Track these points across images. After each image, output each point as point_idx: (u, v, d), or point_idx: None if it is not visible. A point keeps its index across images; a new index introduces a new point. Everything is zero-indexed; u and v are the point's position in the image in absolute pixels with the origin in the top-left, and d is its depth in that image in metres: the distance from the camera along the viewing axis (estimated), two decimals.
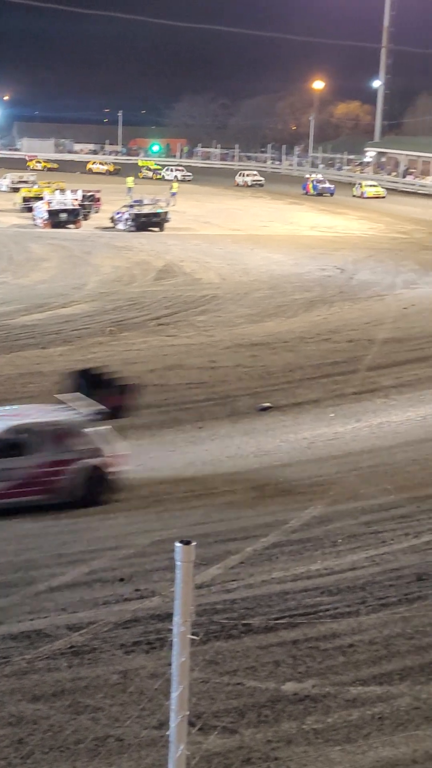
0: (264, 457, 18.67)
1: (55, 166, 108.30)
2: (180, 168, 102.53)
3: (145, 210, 56.14)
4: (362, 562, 14.03)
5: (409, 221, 63.47)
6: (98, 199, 62.47)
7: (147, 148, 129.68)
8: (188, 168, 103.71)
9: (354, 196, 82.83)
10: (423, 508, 16.02)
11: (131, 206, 56.88)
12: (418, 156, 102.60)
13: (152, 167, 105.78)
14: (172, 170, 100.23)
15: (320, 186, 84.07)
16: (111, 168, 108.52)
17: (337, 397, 22.56)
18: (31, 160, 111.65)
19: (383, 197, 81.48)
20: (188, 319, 32.00)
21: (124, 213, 55.93)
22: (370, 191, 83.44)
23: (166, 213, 56.51)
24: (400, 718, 10.31)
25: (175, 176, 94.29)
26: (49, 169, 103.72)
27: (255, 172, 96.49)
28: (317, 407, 21.73)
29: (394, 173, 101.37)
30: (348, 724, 10.16)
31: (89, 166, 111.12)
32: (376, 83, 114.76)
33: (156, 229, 55.06)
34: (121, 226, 55.34)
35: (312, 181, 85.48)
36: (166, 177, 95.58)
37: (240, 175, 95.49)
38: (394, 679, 11.01)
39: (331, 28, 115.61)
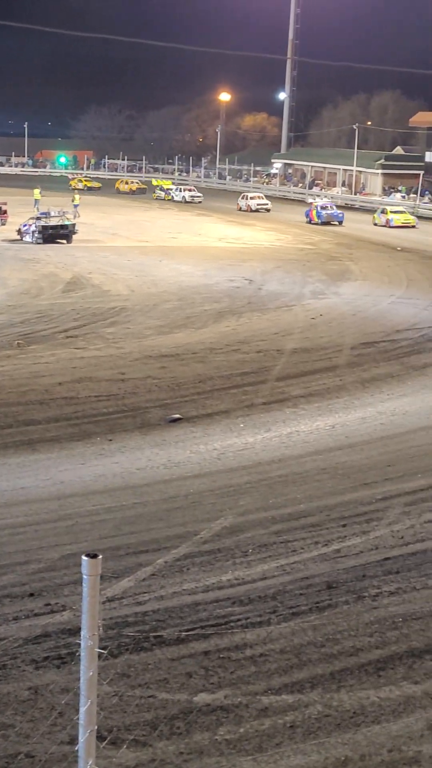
0: (174, 469, 18.67)
1: None
2: (190, 188, 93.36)
3: (53, 222, 55.86)
4: (273, 572, 14.11)
5: (316, 232, 64.14)
6: (5, 212, 61.99)
7: (54, 159, 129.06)
8: (96, 179, 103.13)
9: (376, 224, 70.09)
10: (332, 517, 16.17)
11: (38, 218, 56.54)
12: (324, 167, 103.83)
13: (166, 187, 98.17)
14: (180, 190, 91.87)
15: (325, 213, 69.65)
16: (135, 187, 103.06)
17: (247, 408, 22.67)
18: None
19: (413, 226, 68.74)
20: (97, 331, 31.88)
21: (31, 225, 55.58)
22: (397, 218, 68.75)
23: (73, 225, 56.29)
24: (312, 726, 10.38)
25: (183, 197, 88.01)
26: None
27: (261, 195, 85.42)
28: (227, 418, 21.82)
29: (300, 184, 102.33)
30: (260, 733, 10.19)
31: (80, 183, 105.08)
32: (282, 95, 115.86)
33: (63, 241, 54.84)
34: (28, 238, 54.99)
35: (316, 207, 71.84)
36: (175, 198, 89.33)
37: (243, 198, 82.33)
38: (305, 688, 11.08)
39: (238, 41, 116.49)
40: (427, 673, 11.41)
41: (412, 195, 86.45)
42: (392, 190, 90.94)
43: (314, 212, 70.25)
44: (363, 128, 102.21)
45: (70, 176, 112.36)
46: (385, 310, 35.78)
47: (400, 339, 30.63)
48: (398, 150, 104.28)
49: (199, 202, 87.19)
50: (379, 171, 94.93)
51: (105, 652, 5.70)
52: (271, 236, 60.63)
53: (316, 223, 69.16)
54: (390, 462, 19.04)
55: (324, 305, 36.65)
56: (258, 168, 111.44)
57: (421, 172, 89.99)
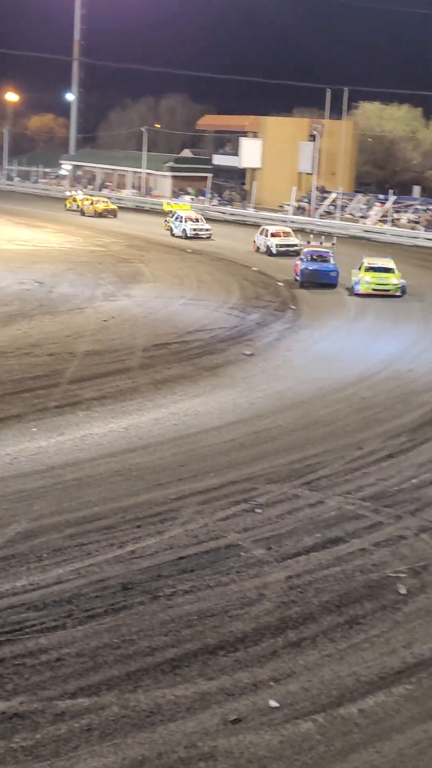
0: None
1: None
2: (195, 218, 66.12)
3: None
4: (68, 575, 14.08)
5: (107, 234, 64.14)
6: None
7: None
8: None
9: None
10: (127, 518, 16.25)
11: None
12: (114, 169, 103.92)
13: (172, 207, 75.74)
14: (182, 220, 64.82)
15: (309, 270, 43.09)
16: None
17: (40, 411, 22.48)
18: None
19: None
20: None
21: None
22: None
23: None
24: (109, 727, 10.45)
25: (183, 230, 63.76)
26: None
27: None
28: (19, 422, 21.57)
29: (90, 186, 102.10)
30: (56, 738, 10.19)
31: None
32: (70, 96, 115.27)
33: None
34: None
35: (303, 259, 44.68)
36: (175, 231, 64.74)
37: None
38: (101, 690, 11.14)
39: (23, 41, 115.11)
40: (221, 669, 11.66)
41: (200, 197, 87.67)
42: (181, 192, 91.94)
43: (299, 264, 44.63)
44: (152, 131, 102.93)
45: None
46: (177, 312, 36.15)
47: (191, 340, 31.02)
48: (187, 153, 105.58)
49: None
50: (169, 173, 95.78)
51: None
52: (61, 238, 60.29)
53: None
54: (183, 462, 19.28)
55: (116, 307, 36.70)
56: (47, 170, 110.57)
57: (210, 175, 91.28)
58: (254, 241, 57.87)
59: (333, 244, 51.60)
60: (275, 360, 28.80)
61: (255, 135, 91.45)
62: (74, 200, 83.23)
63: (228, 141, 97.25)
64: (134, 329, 32.49)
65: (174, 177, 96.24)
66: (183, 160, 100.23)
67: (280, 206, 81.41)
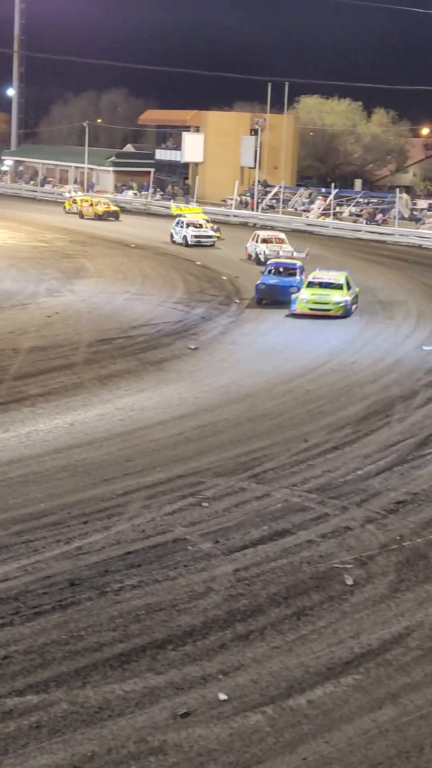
0: None
1: None
2: (199, 224, 59.04)
3: None
4: (14, 573, 13.99)
5: (50, 229, 63.79)
6: None
7: None
8: None
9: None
10: (73, 514, 16.19)
11: None
12: (56, 164, 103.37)
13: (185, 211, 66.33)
14: (183, 225, 57.98)
15: (266, 286, 37.87)
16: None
17: None
18: None
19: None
20: None
21: None
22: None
23: None
24: (58, 724, 10.42)
25: (184, 237, 57.34)
26: None
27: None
28: None
29: (32, 182, 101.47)
30: (5, 736, 10.13)
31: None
32: (10, 91, 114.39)
33: None
34: None
35: (263, 272, 40.02)
36: (175, 238, 58.40)
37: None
38: (50, 687, 11.10)
39: None
40: (170, 664, 11.66)
41: (143, 192, 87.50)
42: (124, 187, 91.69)
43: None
44: (94, 126, 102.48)
45: None
46: (121, 307, 36.05)
47: (136, 335, 30.95)
48: (129, 148, 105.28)
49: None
50: (111, 168, 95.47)
51: None
52: (3, 234, 59.84)
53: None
54: (129, 457, 19.25)
55: (60, 303, 36.52)
56: None
57: (152, 170, 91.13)
58: (246, 248, 51.17)
59: (306, 255, 45.26)
60: (220, 354, 28.84)
61: (197, 129, 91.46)
62: (74, 202, 76.69)
63: (170, 136, 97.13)
64: (78, 325, 32.37)
65: (116, 172, 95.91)
66: (125, 155, 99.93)
67: (223, 200, 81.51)
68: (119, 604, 13.13)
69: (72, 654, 11.84)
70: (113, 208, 73.48)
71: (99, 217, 71.56)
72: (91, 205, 73.98)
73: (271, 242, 49.57)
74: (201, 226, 58.23)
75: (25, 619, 12.61)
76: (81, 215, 73.22)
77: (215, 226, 60.04)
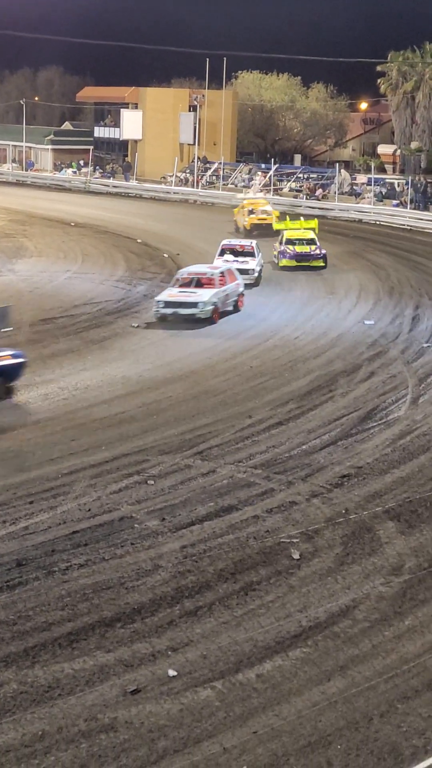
0: None
1: None
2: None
3: None
4: None
5: None
6: None
7: None
8: None
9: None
10: (18, 494, 16.13)
11: None
12: None
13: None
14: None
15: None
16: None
17: None
18: None
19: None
20: None
21: None
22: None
23: None
24: (7, 704, 10.39)
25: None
26: None
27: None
28: None
29: None
30: None
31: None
32: None
33: None
34: None
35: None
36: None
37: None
38: None
39: None
40: (119, 641, 11.68)
41: (83, 170, 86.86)
42: (63, 165, 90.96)
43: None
44: (31, 104, 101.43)
45: None
46: (62, 286, 35.84)
47: (78, 314, 30.79)
48: (67, 125, 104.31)
49: None
50: (50, 147, 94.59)
51: None
52: None
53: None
54: (74, 437, 19.18)
55: (0, 283, 36.24)
56: None
57: (91, 147, 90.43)
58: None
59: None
60: (163, 332, 28.76)
61: (135, 106, 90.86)
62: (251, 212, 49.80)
63: (108, 113, 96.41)
64: (20, 304, 32.08)
65: (55, 150, 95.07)
66: (63, 133, 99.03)
67: (163, 177, 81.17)
68: (67, 583, 13.12)
69: (20, 634, 11.81)
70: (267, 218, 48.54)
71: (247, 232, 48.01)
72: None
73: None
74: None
75: None
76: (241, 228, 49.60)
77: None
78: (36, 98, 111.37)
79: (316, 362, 25.25)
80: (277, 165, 76.08)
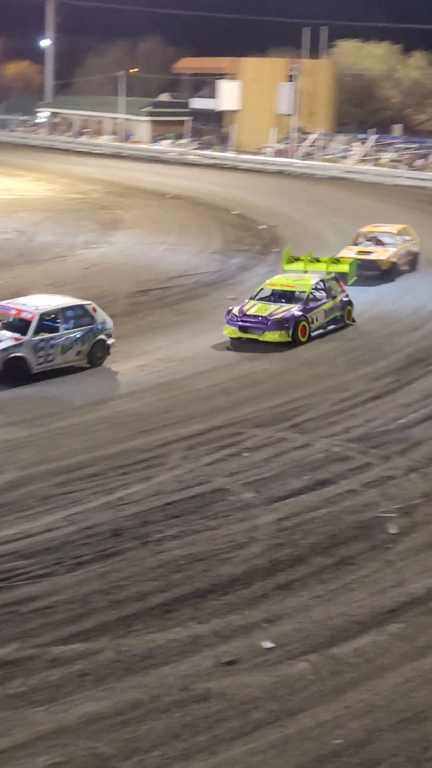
0: None
1: None
2: None
3: None
4: (57, 523, 14.07)
5: (86, 181, 63.53)
6: None
7: None
8: None
9: None
10: (113, 466, 16.24)
11: None
12: (90, 116, 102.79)
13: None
14: None
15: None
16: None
17: None
18: None
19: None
20: None
21: None
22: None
23: None
24: (102, 672, 10.49)
25: None
26: None
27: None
28: None
29: (68, 133, 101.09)
30: (50, 684, 10.23)
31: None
32: (45, 42, 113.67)
33: None
34: None
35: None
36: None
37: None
38: (94, 635, 11.17)
39: None
40: (213, 613, 11.70)
41: (180, 141, 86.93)
42: (161, 137, 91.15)
43: None
44: (129, 75, 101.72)
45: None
46: (158, 258, 35.89)
47: (173, 286, 30.83)
48: (164, 97, 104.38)
49: None
50: (147, 118, 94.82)
51: None
52: (40, 186, 59.66)
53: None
54: (167, 408, 19.25)
55: (97, 255, 36.43)
56: (24, 117, 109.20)
57: (190, 119, 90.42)
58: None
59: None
60: None
61: (233, 77, 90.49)
62: None
63: (206, 84, 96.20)
64: (116, 276, 32.29)
65: (151, 122, 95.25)
66: (161, 105, 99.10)
67: (260, 149, 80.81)
68: (161, 554, 13.18)
69: (115, 603, 11.90)
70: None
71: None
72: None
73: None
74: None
75: (68, 570, 12.69)
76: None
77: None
78: (136, 70, 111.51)
79: (413, 336, 24.92)
80: (376, 135, 75.19)
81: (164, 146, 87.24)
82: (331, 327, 25.06)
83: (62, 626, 11.34)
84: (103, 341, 22.12)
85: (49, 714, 9.74)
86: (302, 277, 25.77)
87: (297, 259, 27.33)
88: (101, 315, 22.54)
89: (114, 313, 26.85)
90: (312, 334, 24.24)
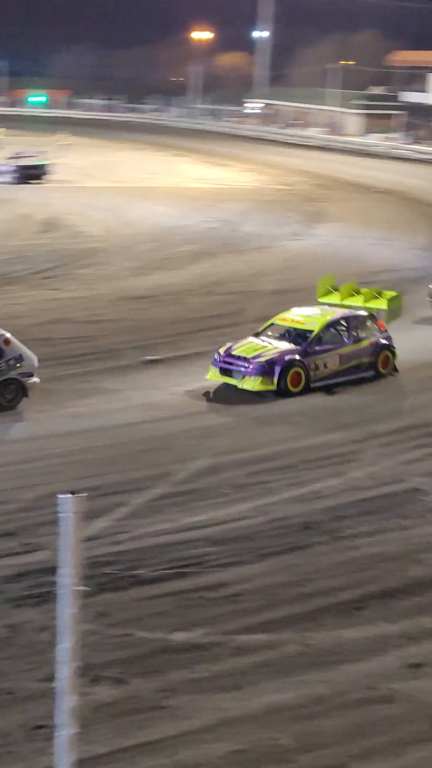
0: (150, 411, 18.62)
1: None
2: None
3: (27, 162, 55.11)
4: (248, 512, 14.16)
5: (294, 173, 63.66)
6: None
7: (23, 98, 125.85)
8: (68, 120, 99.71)
9: None
10: (307, 458, 16.21)
11: (13, 158, 55.76)
12: (299, 107, 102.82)
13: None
14: None
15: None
16: None
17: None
18: None
19: None
20: (72, 273, 31.63)
21: (5, 165, 54.86)
22: None
23: (48, 165, 55.57)
24: (287, 664, 10.49)
25: None
26: None
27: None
28: (203, 359, 21.67)
29: (278, 125, 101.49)
30: (236, 671, 10.29)
31: None
32: (260, 33, 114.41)
33: (38, 181, 54.18)
34: (2, 178, 54.30)
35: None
36: None
37: None
38: (280, 627, 11.18)
39: None
40: (402, 613, 11.53)
41: (390, 135, 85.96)
42: (369, 130, 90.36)
43: None
44: (341, 67, 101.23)
45: None
46: (362, 252, 35.60)
47: (376, 281, 30.46)
48: (374, 89, 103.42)
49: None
50: (358, 111, 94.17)
51: (89, 588, 5.71)
52: (248, 177, 60.16)
53: None
54: (366, 404, 19.07)
55: (301, 246, 36.48)
56: (235, 108, 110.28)
57: (405, 113, 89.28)
58: None
59: None
60: None
61: None
62: None
63: (418, 78, 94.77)
64: (318, 269, 32.20)
65: (361, 115, 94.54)
66: (371, 97, 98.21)
67: None
68: (352, 550, 13.08)
69: (301, 596, 11.89)
70: None
71: None
72: None
73: None
74: None
75: (257, 559, 12.75)
76: None
77: None
78: (350, 62, 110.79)
79: None
80: None
81: (374, 140, 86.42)
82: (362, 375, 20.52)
83: (249, 615, 11.40)
84: (15, 380, 18.27)
85: (235, 701, 9.81)
86: (320, 313, 21.31)
87: (335, 289, 22.72)
88: (16, 348, 18.57)
89: (313, 305, 26.83)
90: (318, 383, 19.79)
